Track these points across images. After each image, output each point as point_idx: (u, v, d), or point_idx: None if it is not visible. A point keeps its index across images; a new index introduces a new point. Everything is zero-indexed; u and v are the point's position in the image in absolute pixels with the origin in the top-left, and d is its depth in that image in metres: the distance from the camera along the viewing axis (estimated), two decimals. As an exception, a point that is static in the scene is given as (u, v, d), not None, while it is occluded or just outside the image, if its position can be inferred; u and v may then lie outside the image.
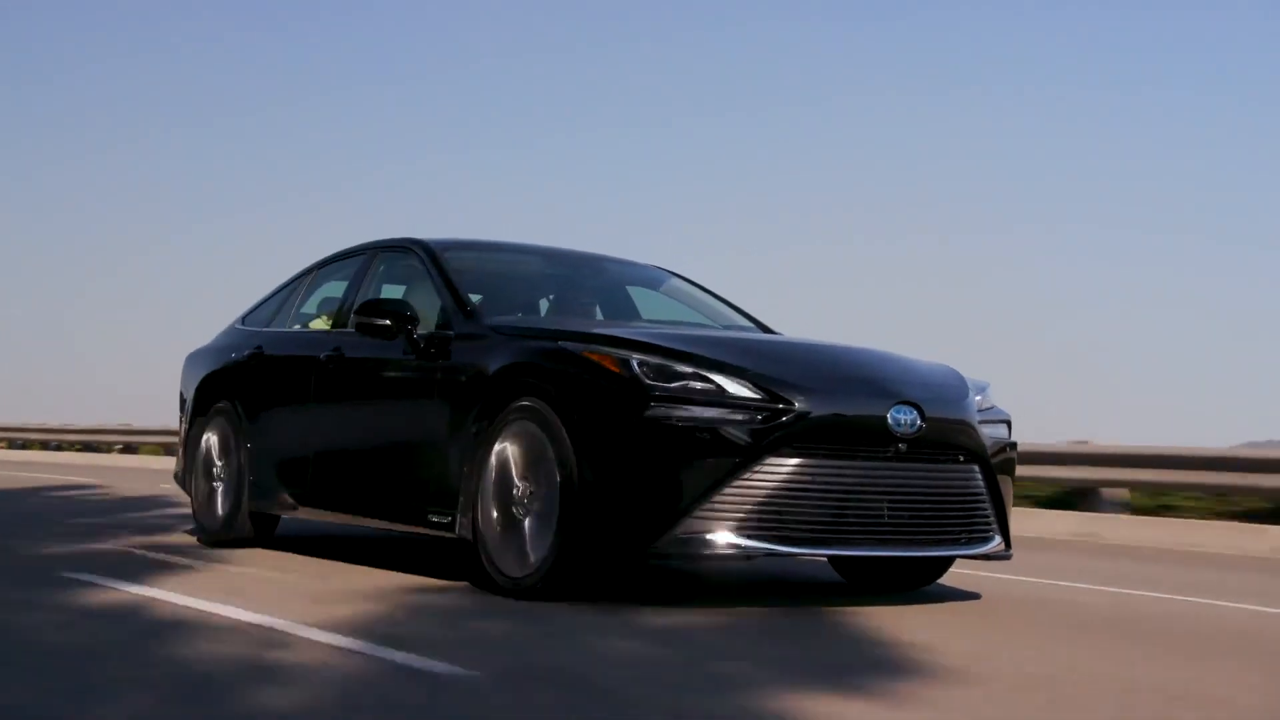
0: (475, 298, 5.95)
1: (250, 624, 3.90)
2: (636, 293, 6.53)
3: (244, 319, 7.18)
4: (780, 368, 4.69)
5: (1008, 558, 5.09)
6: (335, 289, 6.57)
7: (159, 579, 5.01)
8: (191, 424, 7.03)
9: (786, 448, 4.47)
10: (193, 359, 7.29)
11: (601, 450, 4.48)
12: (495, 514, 4.84)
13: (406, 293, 6.10)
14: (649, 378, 4.52)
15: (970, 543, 4.92)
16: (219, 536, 6.55)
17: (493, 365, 4.97)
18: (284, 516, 6.49)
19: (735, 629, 4.19)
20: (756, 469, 4.44)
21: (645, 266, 6.74)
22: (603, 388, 4.55)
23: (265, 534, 6.57)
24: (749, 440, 4.44)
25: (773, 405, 4.51)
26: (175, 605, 4.29)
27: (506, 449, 4.83)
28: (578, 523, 4.49)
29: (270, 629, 3.81)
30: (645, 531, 4.43)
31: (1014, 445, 5.20)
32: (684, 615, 4.43)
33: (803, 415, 4.51)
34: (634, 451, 4.44)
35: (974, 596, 5.36)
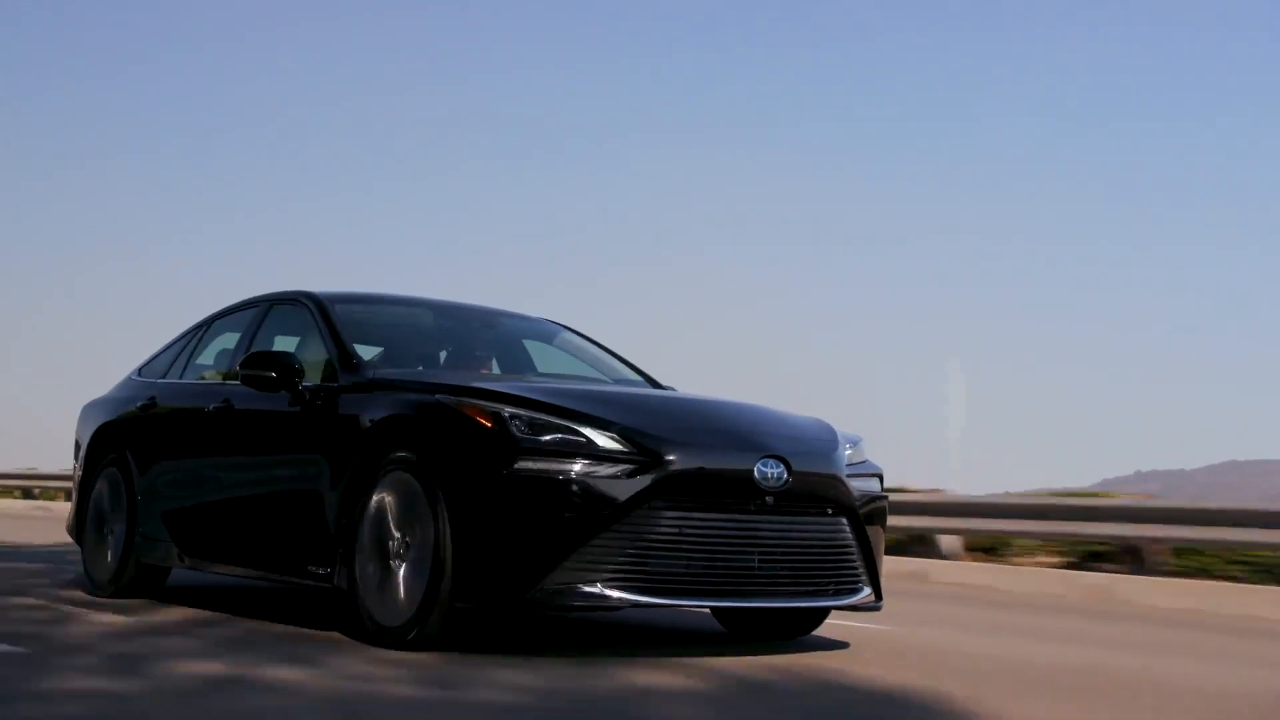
0: (375, 351, 6.03)
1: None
2: (532, 346, 6.63)
3: (140, 370, 7.18)
4: (650, 421, 4.79)
5: (877, 609, 5.20)
6: (229, 340, 6.60)
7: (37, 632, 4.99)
8: (84, 473, 7.01)
9: (655, 500, 4.57)
10: (89, 409, 7.28)
11: (472, 502, 4.55)
12: (372, 564, 4.88)
13: (298, 345, 6.14)
14: (520, 431, 4.60)
15: (839, 594, 5.03)
16: (109, 589, 6.51)
17: (372, 417, 5.04)
18: (173, 569, 6.46)
19: (575, 681, 4.26)
20: (625, 521, 4.53)
21: (537, 320, 6.84)
22: (474, 441, 4.62)
23: (155, 586, 6.55)
24: (617, 493, 4.53)
25: (641, 458, 4.60)
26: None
27: (384, 499, 4.88)
28: (449, 573, 4.55)
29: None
30: (516, 582, 4.49)
31: (885, 498, 5.32)
32: (536, 667, 4.49)
33: (670, 468, 4.61)
34: (504, 503, 4.51)
35: (843, 645, 5.46)
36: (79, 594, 6.59)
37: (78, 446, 7.25)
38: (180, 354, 6.94)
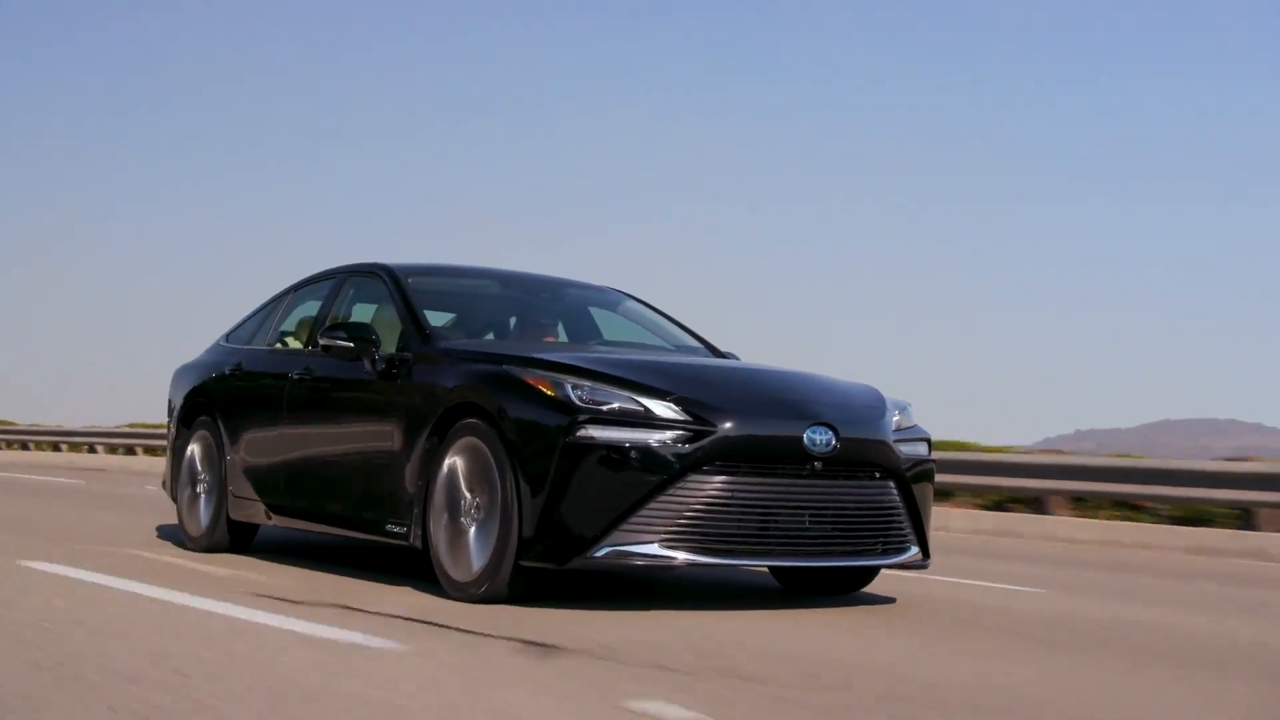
0: (448, 319, 6.35)
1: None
2: (597, 314, 6.91)
3: (227, 336, 7.56)
4: (705, 391, 5.06)
5: (925, 566, 5.46)
6: (310, 309, 6.95)
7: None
8: (177, 435, 7.42)
9: (708, 465, 4.85)
10: (180, 373, 7.68)
11: (537, 467, 4.85)
12: (444, 524, 5.22)
13: (374, 314, 6.48)
14: (581, 401, 4.89)
15: (887, 553, 5.29)
16: (201, 544, 6.93)
17: (444, 385, 5.35)
18: (261, 526, 6.86)
19: (638, 631, 4.55)
20: (680, 485, 4.81)
21: (602, 289, 7.10)
22: (539, 409, 4.92)
23: (244, 542, 6.95)
24: (672, 459, 4.81)
25: (696, 426, 4.88)
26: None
27: (456, 464, 5.21)
28: (515, 533, 4.87)
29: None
30: (579, 542, 4.80)
31: (932, 461, 5.54)
32: (591, 615, 4.79)
33: (724, 435, 4.88)
34: (566, 469, 4.81)
35: (890, 600, 5.70)
36: (172, 547, 7.03)
37: (170, 408, 7.67)
38: (265, 321, 7.30)
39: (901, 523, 5.29)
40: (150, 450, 26.07)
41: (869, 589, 5.93)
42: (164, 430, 25.71)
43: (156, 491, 12.34)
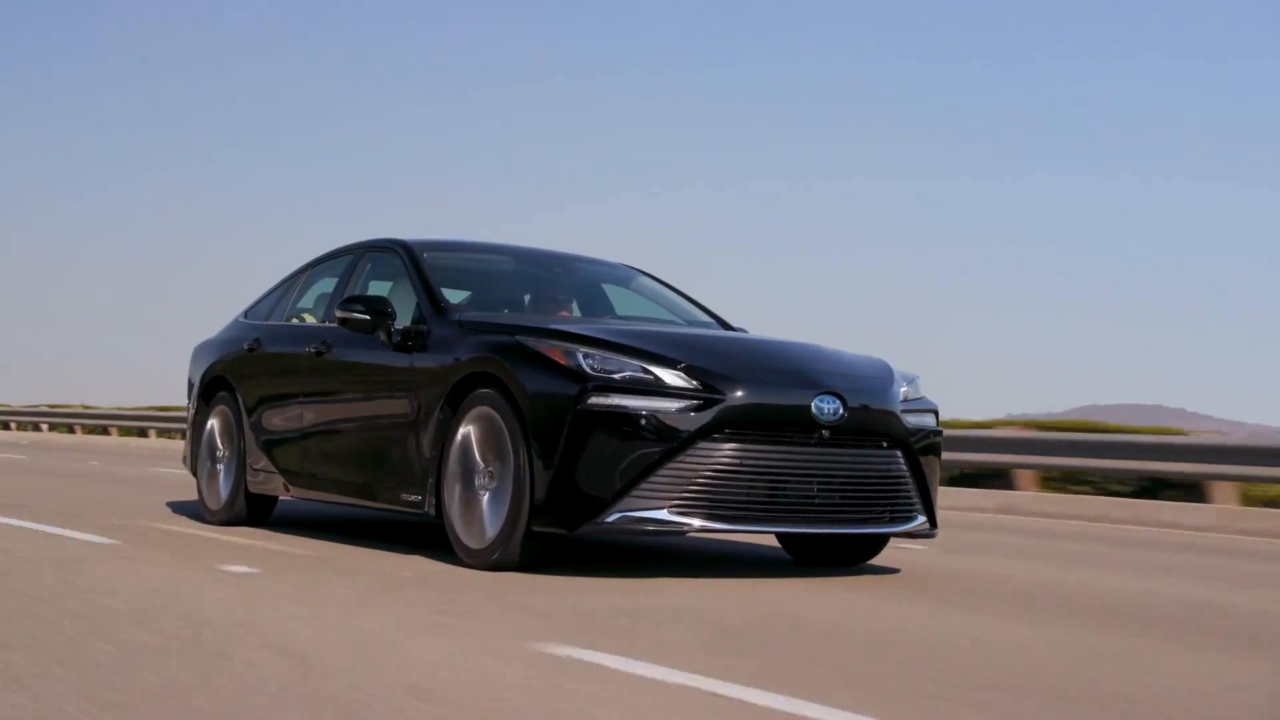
0: (463, 295, 6.43)
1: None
2: (610, 290, 6.99)
3: (246, 312, 7.66)
4: (715, 361, 5.14)
5: (932, 535, 5.52)
6: (327, 285, 7.04)
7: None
8: (197, 411, 7.54)
9: (718, 433, 4.93)
10: (200, 349, 7.79)
11: (549, 435, 4.94)
12: (458, 492, 5.31)
13: (391, 289, 6.57)
14: (592, 369, 4.97)
15: (894, 521, 5.36)
16: (221, 516, 7.04)
17: (458, 357, 5.44)
18: (280, 499, 6.97)
19: (647, 597, 4.64)
20: (690, 452, 4.89)
21: (615, 265, 7.18)
22: (551, 378, 5.01)
23: (263, 515, 7.06)
24: (682, 427, 4.89)
25: (705, 395, 4.95)
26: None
27: (469, 433, 5.30)
28: (528, 500, 4.96)
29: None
30: (590, 508, 4.88)
31: (939, 432, 5.61)
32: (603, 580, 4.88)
33: (733, 404, 4.96)
34: (578, 436, 4.89)
35: (894, 571, 5.78)
36: (190, 520, 7.14)
37: (190, 384, 7.77)
38: (283, 298, 7.40)
39: (909, 492, 5.36)
40: (164, 433, 26.34)
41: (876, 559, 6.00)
42: (176, 412, 26.19)
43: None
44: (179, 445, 24.41)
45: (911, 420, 5.40)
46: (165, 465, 15.78)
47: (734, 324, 6.78)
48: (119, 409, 30.51)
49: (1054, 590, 5.46)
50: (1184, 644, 4.09)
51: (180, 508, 8.15)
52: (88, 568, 4.86)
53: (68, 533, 6.12)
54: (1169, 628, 4.46)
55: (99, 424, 30.00)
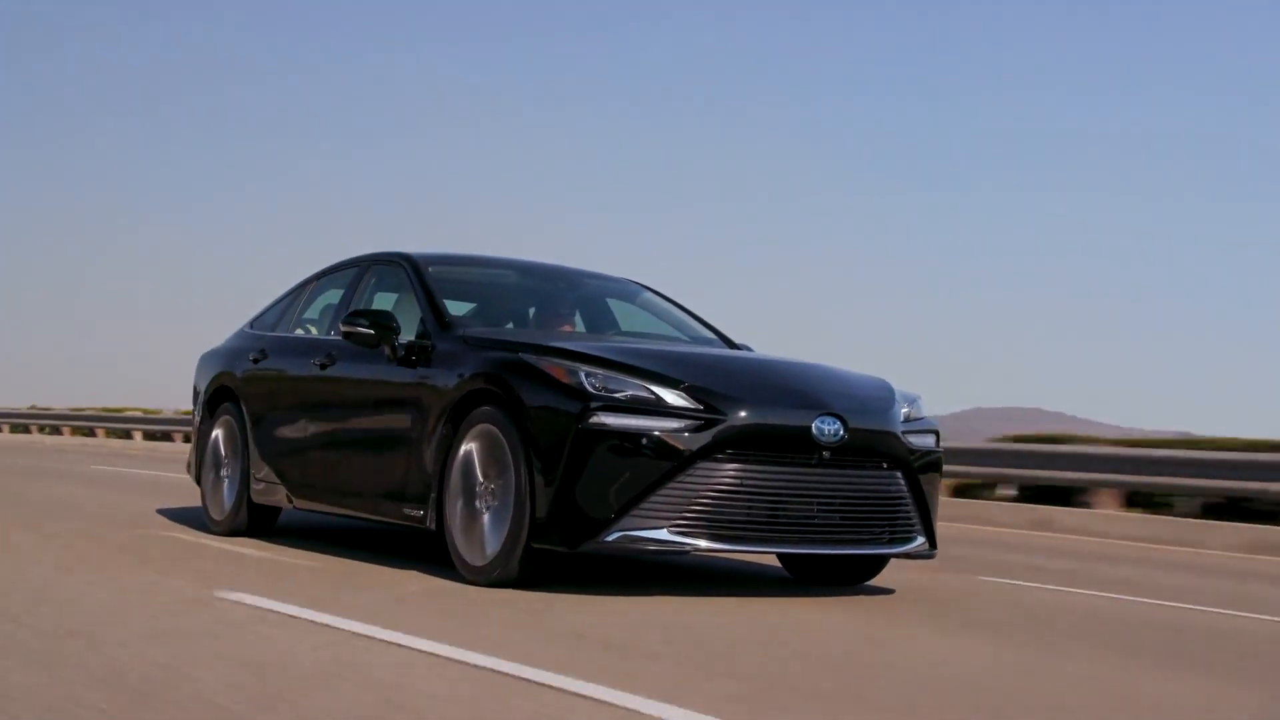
0: (467, 308, 6.46)
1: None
2: (615, 305, 7.01)
3: (252, 323, 7.69)
4: (717, 380, 5.15)
5: (931, 556, 5.54)
6: (333, 297, 7.07)
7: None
8: (202, 420, 7.57)
9: (719, 453, 4.94)
10: (206, 359, 7.82)
11: (551, 453, 4.96)
12: (460, 509, 5.33)
13: (395, 303, 6.59)
14: (595, 388, 4.99)
15: (894, 542, 5.38)
16: (224, 526, 7.07)
17: (462, 373, 5.46)
18: (283, 509, 6.99)
19: (636, 619, 4.66)
20: (691, 472, 4.91)
21: (619, 280, 7.20)
22: (553, 396, 5.03)
23: (266, 526, 7.08)
24: (683, 446, 4.91)
25: (706, 415, 4.97)
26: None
27: (471, 449, 5.32)
28: (529, 518, 4.97)
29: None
30: (591, 527, 4.90)
31: (939, 453, 5.62)
32: (604, 603, 4.90)
33: (733, 424, 4.97)
34: (579, 455, 4.91)
35: (889, 591, 5.79)
36: (190, 529, 7.17)
37: (196, 393, 7.81)
38: (288, 309, 7.43)
39: (909, 513, 5.38)
40: (150, 436, 26.58)
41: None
42: (160, 415, 26.30)
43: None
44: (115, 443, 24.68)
45: (913, 441, 5.41)
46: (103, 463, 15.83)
47: (737, 341, 6.80)
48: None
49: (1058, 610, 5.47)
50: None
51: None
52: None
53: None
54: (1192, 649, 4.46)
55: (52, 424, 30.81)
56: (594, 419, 4.92)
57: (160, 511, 8.48)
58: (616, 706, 3.00)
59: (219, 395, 7.40)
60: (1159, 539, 11.12)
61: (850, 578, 5.89)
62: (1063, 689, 3.66)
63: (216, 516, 7.18)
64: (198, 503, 7.59)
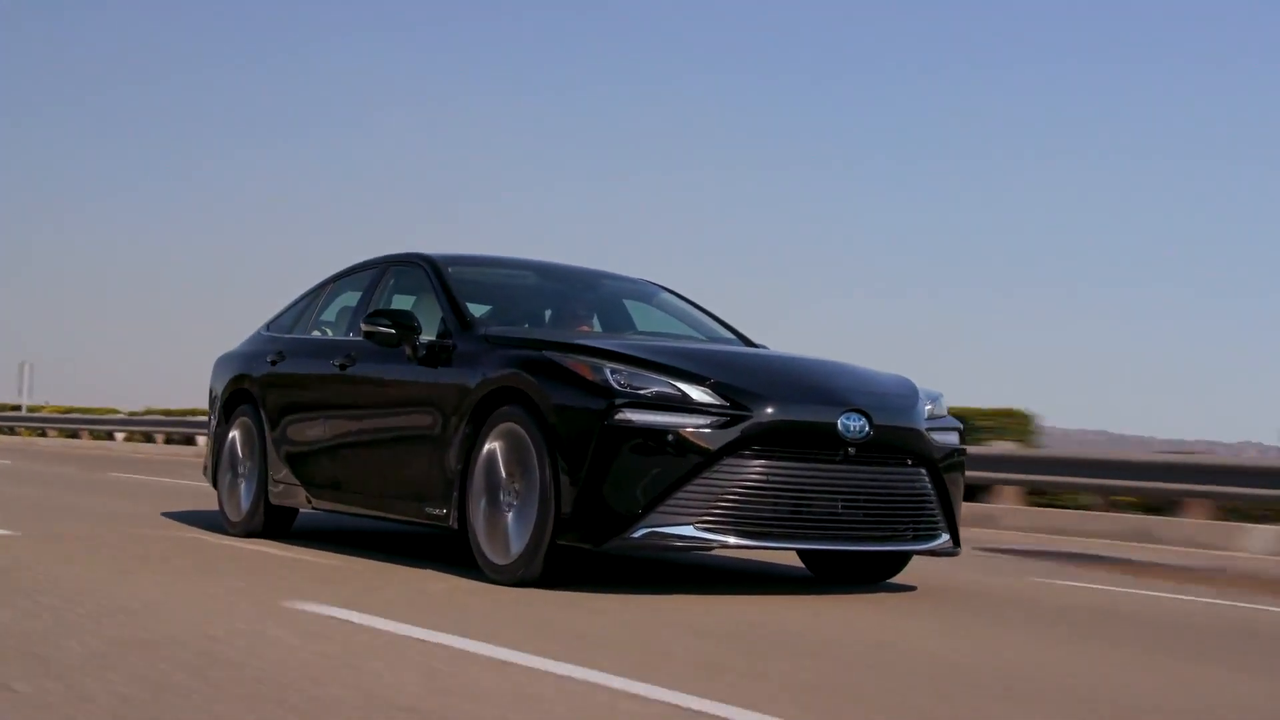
0: (485, 309, 6.46)
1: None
2: (632, 306, 7.01)
3: (268, 325, 7.69)
4: (742, 377, 5.15)
5: (955, 554, 5.53)
6: (351, 299, 7.07)
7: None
8: (219, 423, 7.56)
9: (745, 450, 4.94)
10: (222, 361, 7.82)
11: (576, 450, 4.95)
12: (483, 508, 5.32)
13: (414, 304, 6.59)
14: (620, 385, 4.99)
15: (918, 539, 5.37)
16: (242, 528, 7.07)
17: (485, 372, 5.46)
18: (301, 510, 6.99)
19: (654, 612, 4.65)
20: (717, 468, 4.90)
21: (637, 281, 7.20)
22: (578, 393, 5.02)
23: (284, 526, 7.08)
24: (709, 443, 4.90)
25: (732, 411, 4.97)
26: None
27: (495, 448, 5.31)
28: (553, 515, 4.97)
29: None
30: (615, 524, 4.89)
31: (963, 451, 5.62)
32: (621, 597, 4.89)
33: (759, 421, 4.97)
34: (605, 452, 4.90)
35: (911, 589, 5.79)
36: (207, 531, 7.17)
37: (212, 396, 7.80)
38: (305, 311, 7.43)
39: (933, 510, 5.37)
40: (170, 439, 26.47)
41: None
42: (183, 416, 26.28)
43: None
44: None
45: (937, 439, 5.41)
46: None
47: (754, 340, 6.80)
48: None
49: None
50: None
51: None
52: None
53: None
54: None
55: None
56: (620, 416, 4.91)
57: (165, 515, 8.47)
58: (652, 700, 2.99)
59: (236, 398, 7.40)
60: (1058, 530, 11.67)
61: (872, 575, 5.89)
62: (1085, 682, 3.66)
63: (233, 518, 7.18)
64: (186, 506, 7.58)
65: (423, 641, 3.66)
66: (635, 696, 3.02)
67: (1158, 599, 6.23)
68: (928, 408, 5.50)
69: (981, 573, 7.01)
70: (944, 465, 5.40)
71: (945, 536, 5.43)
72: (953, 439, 5.56)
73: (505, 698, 2.97)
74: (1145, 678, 3.80)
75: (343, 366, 6.44)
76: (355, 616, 4.07)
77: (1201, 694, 3.61)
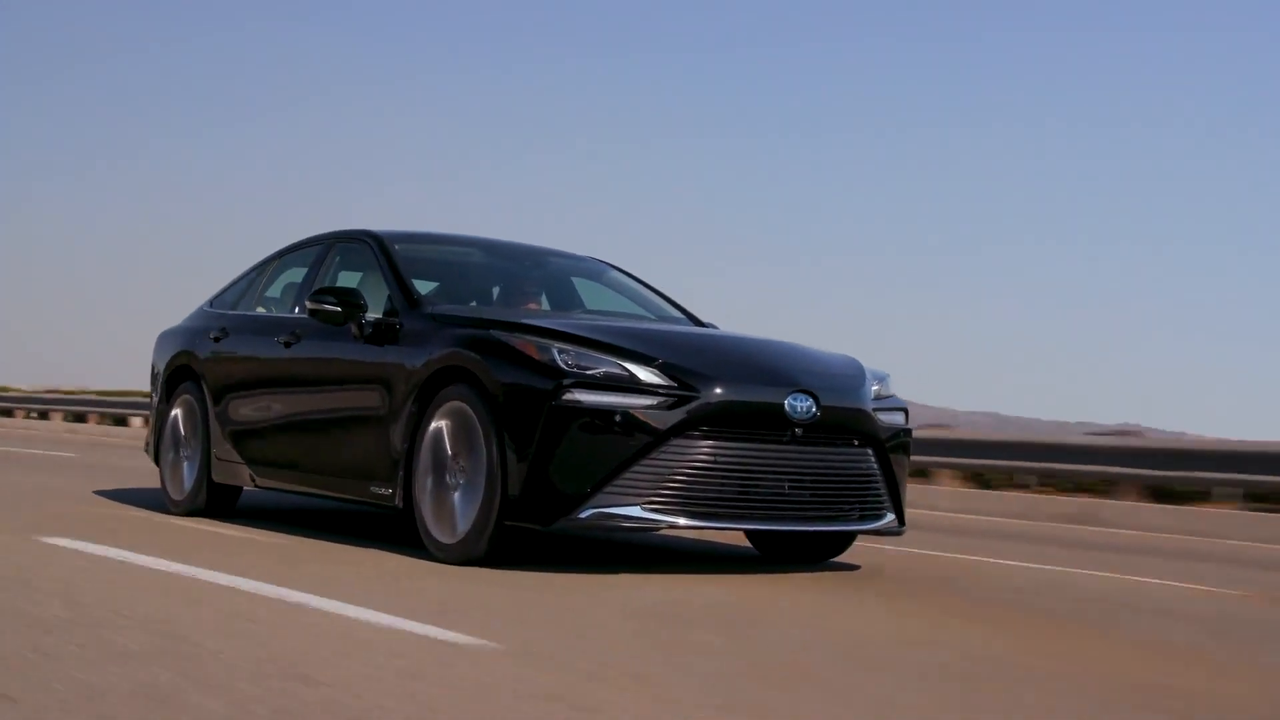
0: (432, 286, 6.40)
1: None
2: (580, 284, 6.98)
3: (211, 301, 7.59)
4: (689, 357, 5.15)
5: (900, 533, 5.57)
6: (296, 275, 6.98)
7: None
8: (161, 400, 7.46)
9: (693, 430, 4.94)
10: (164, 338, 7.70)
11: (523, 430, 4.93)
12: (429, 487, 5.29)
13: (360, 281, 6.53)
14: (568, 365, 4.97)
15: (864, 519, 5.40)
16: (184, 506, 6.98)
17: (431, 351, 5.41)
18: (245, 489, 6.91)
19: (594, 593, 4.65)
20: (664, 449, 4.90)
21: (585, 258, 7.17)
22: (526, 373, 5.00)
23: (227, 505, 7.00)
24: (657, 423, 4.90)
25: (679, 392, 4.96)
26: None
27: (441, 427, 5.28)
28: (500, 495, 4.95)
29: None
30: (562, 504, 4.88)
31: (909, 431, 5.65)
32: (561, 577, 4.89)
33: (707, 401, 4.97)
34: (551, 432, 4.89)
35: (854, 567, 5.82)
36: (146, 511, 7.09)
37: (154, 372, 7.69)
38: (250, 287, 7.34)
39: (879, 490, 5.40)
40: (119, 420, 26.01)
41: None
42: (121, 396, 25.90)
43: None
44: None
45: (883, 419, 5.43)
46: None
47: (703, 320, 6.79)
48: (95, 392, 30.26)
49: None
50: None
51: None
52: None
53: None
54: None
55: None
56: (567, 396, 4.90)
57: (98, 493, 8.37)
58: (570, 673, 2.99)
59: (178, 375, 7.30)
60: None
61: (817, 554, 5.91)
62: (1038, 659, 3.70)
63: (176, 497, 7.09)
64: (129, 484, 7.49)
65: (357, 620, 3.64)
66: (554, 671, 3.02)
67: (1105, 578, 6.31)
68: (875, 388, 5.53)
69: (921, 549, 7.07)
70: (890, 445, 5.43)
71: (891, 516, 5.47)
72: (899, 419, 5.59)
73: (390, 666, 2.96)
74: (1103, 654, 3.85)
75: (287, 344, 6.37)
76: (286, 594, 4.03)
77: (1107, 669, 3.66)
